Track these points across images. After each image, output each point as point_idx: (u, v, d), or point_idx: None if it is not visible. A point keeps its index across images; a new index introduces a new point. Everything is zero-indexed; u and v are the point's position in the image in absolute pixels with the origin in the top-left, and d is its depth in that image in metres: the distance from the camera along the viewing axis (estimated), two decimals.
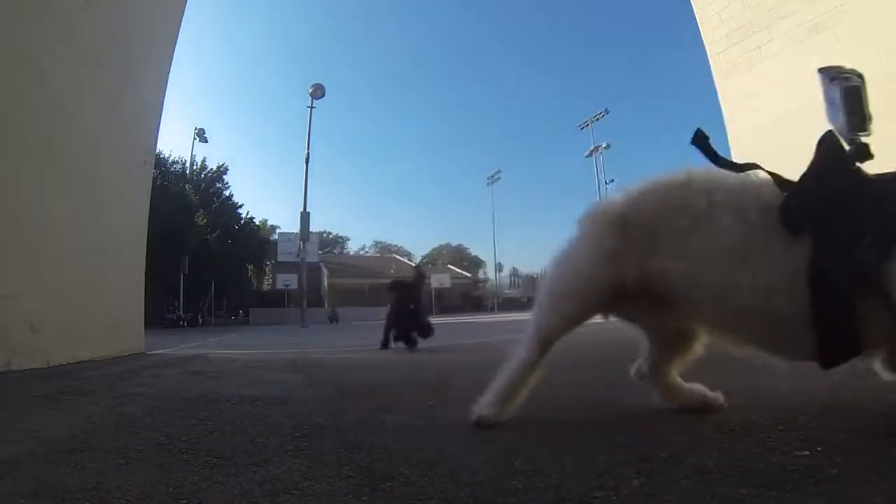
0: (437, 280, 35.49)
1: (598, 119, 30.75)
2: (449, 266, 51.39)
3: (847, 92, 1.17)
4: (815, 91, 1.23)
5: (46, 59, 3.15)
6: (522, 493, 0.75)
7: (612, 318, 1.30)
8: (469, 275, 48.61)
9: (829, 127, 1.06)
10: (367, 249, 65.95)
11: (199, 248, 24.10)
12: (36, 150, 3.07)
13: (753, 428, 0.98)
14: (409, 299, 4.06)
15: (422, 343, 4.89)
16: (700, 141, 1.15)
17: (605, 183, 29.60)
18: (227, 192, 29.95)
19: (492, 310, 35.90)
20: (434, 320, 4.57)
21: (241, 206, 30.60)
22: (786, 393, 1.25)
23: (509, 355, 1.24)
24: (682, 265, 1.03)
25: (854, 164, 0.99)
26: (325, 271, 39.64)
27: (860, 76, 1.22)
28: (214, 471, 0.93)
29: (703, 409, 1.19)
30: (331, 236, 62.48)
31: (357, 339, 6.78)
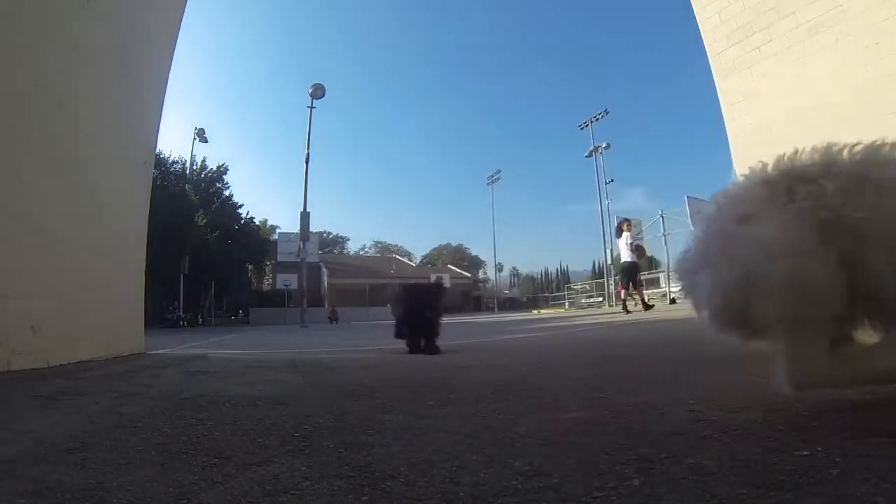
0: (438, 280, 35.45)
1: (598, 119, 30.78)
2: (449, 266, 51.41)
3: None
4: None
5: (46, 59, 3.15)
6: (522, 493, 0.75)
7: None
8: (469, 275, 48.63)
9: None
10: (367, 249, 66.05)
11: (199, 248, 24.11)
12: (36, 150, 3.06)
13: (753, 428, 0.98)
14: (428, 306, 3.65)
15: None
16: None
17: (605, 183, 29.64)
18: (227, 192, 30.02)
19: (491, 310, 35.89)
20: None
21: (241, 206, 30.68)
22: (786, 393, 1.25)
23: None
24: None
25: None
26: (325, 271, 39.66)
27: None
28: (214, 471, 0.94)
29: None
30: (331, 236, 62.52)
31: (357, 340, 6.78)
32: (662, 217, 20.63)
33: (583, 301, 32.26)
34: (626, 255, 9.42)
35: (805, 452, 0.80)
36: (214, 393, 1.92)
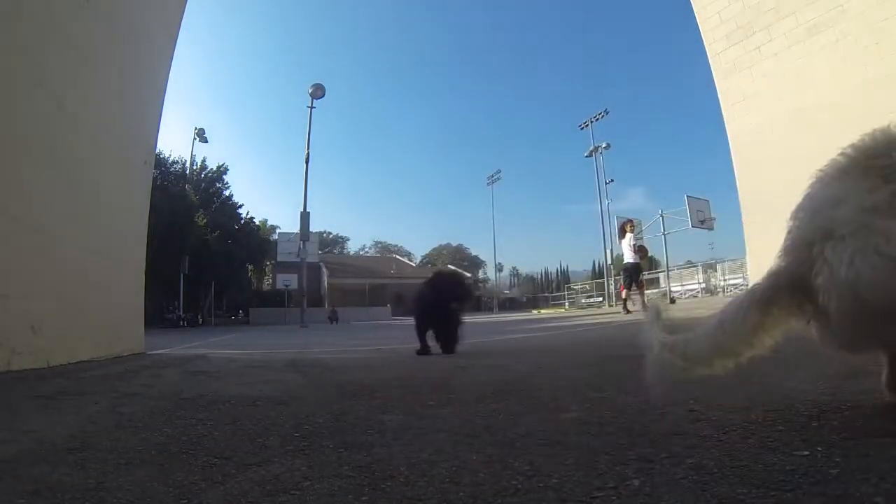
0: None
1: (598, 119, 30.78)
2: (449, 266, 51.39)
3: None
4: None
5: (46, 59, 3.15)
6: (522, 493, 0.75)
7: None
8: (469, 275, 48.63)
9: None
10: (367, 249, 66.05)
11: (199, 248, 24.10)
12: (36, 150, 3.06)
13: (753, 428, 0.98)
14: (453, 299, 3.28)
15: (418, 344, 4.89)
16: None
17: (605, 183, 29.64)
18: (227, 192, 29.98)
19: (491, 310, 35.89)
20: None
21: (241, 206, 30.64)
22: (786, 393, 1.25)
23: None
24: None
25: None
26: (325, 271, 39.65)
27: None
28: (214, 471, 0.94)
29: None
30: (331, 236, 62.53)
31: (357, 340, 6.78)
32: (662, 217, 20.62)
33: (583, 301, 32.27)
34: (628, 256, 9.45)
35: (805, 452, 0.80)
36: (214, 393, 1.92)
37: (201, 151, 36.13)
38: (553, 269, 64.97)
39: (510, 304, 41.92)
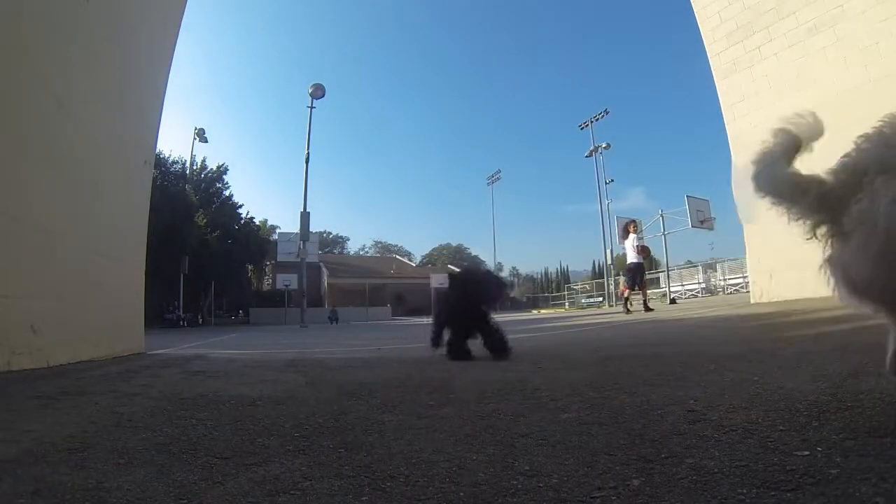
0: (437, 280, 35.48)
1: (598, 119, 30.78)
2: (449, 266, 51.36)
3: None
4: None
5: (47, 58, 3.15)
6: (522, 493, 0.75)
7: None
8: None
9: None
10: (367, 249, 66.10)
11: (199, 248, 24.11)
12: (36, 150, 3.06)
13: (753, 428, 0.98)
14: (482, 298, 2.99)
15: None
16: None
17: (605, 183, 29.65)
18: (227, 192, 30.01)
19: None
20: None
21: (241, 206, 30.67)
22: (786, 393, 1.25)
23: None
24: None
25: None
26: (325, 271, 39.66)
27: None
28: (214, 471, 0.94)
29: None
30: (331, 236, 62.58)
31: (357, 340, 6.78)
32: (662, 217, 20.62)
33: (583, 301, 32.29)
34: (632, 256, 9.47)
35: (805, 452, 0.80)
36: (214, 393, 1.92)
37: (201, 151, 36.26)
38: (553, 269, 64.98)
39: (510, 304, 41.88)
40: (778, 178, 0.98)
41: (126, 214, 4.49)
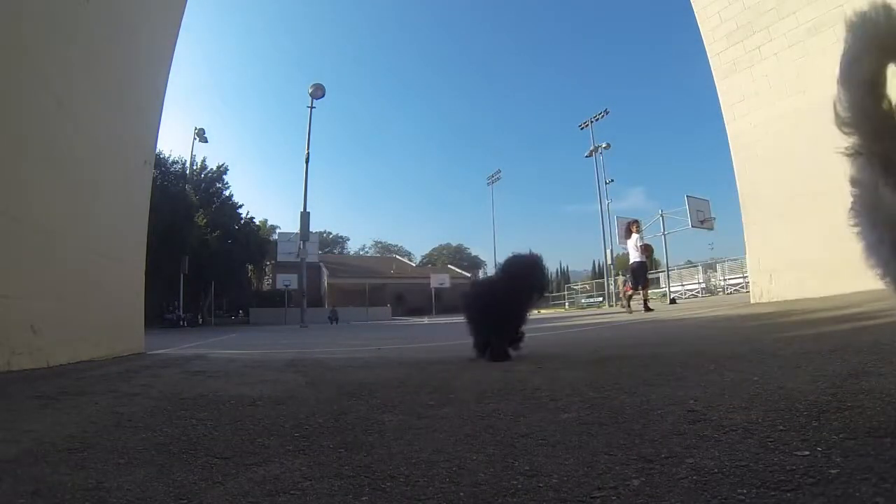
0: (437, 280, 35.53)
1: (598, 119, 30.78)
2: (449, 266, 51.40)
3: None
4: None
5: (47, 58, 3.15)
6: (522, 493, 0.75)
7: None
8: (469, 275, 48.58)
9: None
10: (367, 249, 66.12)
11: (199, 248, 24.12)
12: (36, 150, 3.06)
13: (753, 428, 0.98)
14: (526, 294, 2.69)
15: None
16: None
17: (605, 183, 29.65)
18: (227, 192, 30.03)
19: None
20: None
21: (241, 206, 30.70)
22: (786, 393, 1.25)
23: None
24: None
25: None
26: (325, 271, 39.67)
27: None
28: (214, 471, 0.94)
29: None
30: (331, 236, 62.60)
31: (357, 340, 6.78)
32: (662, 217, 20.62)
33: (583, 301, 32.26)
34: (634, 256, 9.47)
35: (805, 452, 0.80)
36: (214, 393, 1.92)
37: (201, 151, 36.26)
38: (553, 269, 65.00)
39: None
40: None
41: (126, 214, 4.49)
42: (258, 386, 2.10)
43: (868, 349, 1.76)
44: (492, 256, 40.89)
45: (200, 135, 29.88)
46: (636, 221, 10.37)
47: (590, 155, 30.67)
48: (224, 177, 30.04)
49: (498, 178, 40.16)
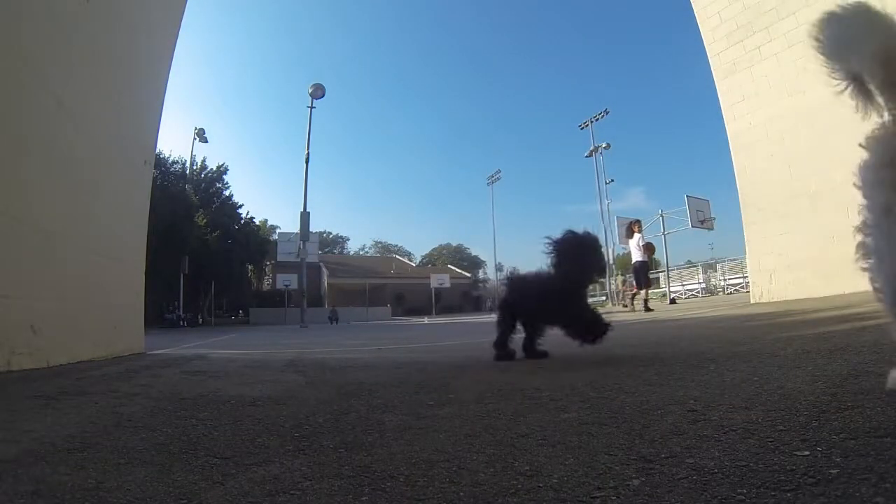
0: (437, 280, 35.53)
1: (598, 119, 30.77)
2: (449, 266, 51.41)
3: None
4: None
5: (46, 59, 3.15)
6: (522, 493, 0.75)
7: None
8: (469, 275, 48.62)
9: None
10: (367, 249, 66.13)
11: (199, 248, 24.13)
12: (36, 150, 3.06)
13: (753, 428, 0.98)
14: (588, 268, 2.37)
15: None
16: None
17: (605, 183, 29.65)
18: (227, 192, 30.05)
19: (491, 310, 35.88)
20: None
21: (241, 206, 30.72)
22: (786, 393, 1.25)
23: None
24: None
25: None
26: (325, 271, 39.67)
27: None
28: (214, 471, 0.94)
29: None
30: (331, 236, 62.61)
31: (357, 340, 6.78)
32: (662, 217, 20.63)
33: None
34: (637, 255, 9.50)
35: (805, 452, 0.80)
36: (214, 393, 1.92)
37: (201, 151, 36.26)
38: None
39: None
40: None
41: (126, 214, 4.49)
42: (258, 386, 2.10)
43: (868, 349, 1.76)
44: (492, 256, 40.92)
45: (200, 135, 29.88)
46: (638, 221, 10.39)
47: (590, 155, 30.66)
48: (224, 177, 30.09)
49: (498, 178, 40.16)
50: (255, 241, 31.55)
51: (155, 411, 1.58)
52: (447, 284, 36.15)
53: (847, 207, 1.12)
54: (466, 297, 41.88)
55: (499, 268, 39.86)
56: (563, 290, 2.33)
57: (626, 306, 9.62)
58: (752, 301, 7.22)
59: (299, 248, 21.75)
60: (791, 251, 6.37)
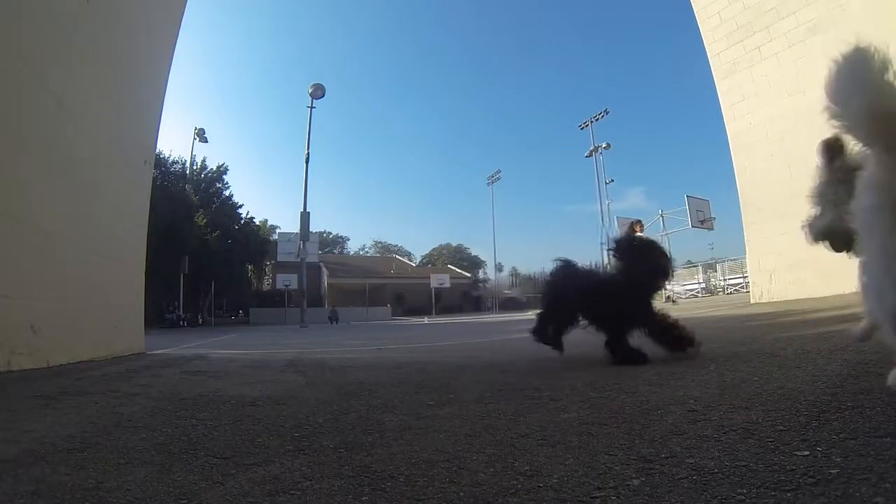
0: (437, 280, 35.53)
1: (598, 119, 30.76)
2: (449, 266, 51.41)
3: None
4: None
5: (46, 59, 3.15)
6: (522, 493, 0.75)
7: None
8: (469, 275, 48.60)
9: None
10: (367, 249, 66.08)
11: (199, 248, 24.12)
12: (36, 150, 3.07)
13: (753, 428, 0.98)
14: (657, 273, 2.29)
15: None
16: None
17: (605, 183, 29.64)
18: (227, 192, 30.01)
19: (491, 310, 35.88)
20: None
21: (241, 206, 30.68)
22: (786, 393, 1.25)
23: None
24: None
25: None
26: (325, 271, 39.66)
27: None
28: (214, 471, 0.94)
29: None
30: (331, 236, 62.57)
31: (357, 340, 6.78)
32: (662, 217, 20.65)
33: None
34: None
35: (805, 452, 0.80)
36: (214, 393, 1.92)
37: (201, 151, 36.26)
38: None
39: (511, 304, 41.89)
40: None
41: (126, 214, 4.49)
42: (258, 386, 2.10)
43: (868, 349, 1.76)
44: (492, 256, 40.90)
45: (200, 135, 29.86)
46: (639, 221, 10.40)
47: (590, 155, 30.65)
48: (224, 177, 30.04)
49: (498, 178, 40.15)
50: (255, 241, 31.52)
51: (155, 411, 1.57)
52: (447, 284, 36.13)
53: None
54: (466, 297, 41.86)
55: (499, 268, 39.86)
56: (641, 292, 2.24)
57: None
58: (752, 301, 7.23)
59: (299, 248, 21.75)
60: (791, 251, 6.37)
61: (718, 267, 26.02)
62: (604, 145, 30.01)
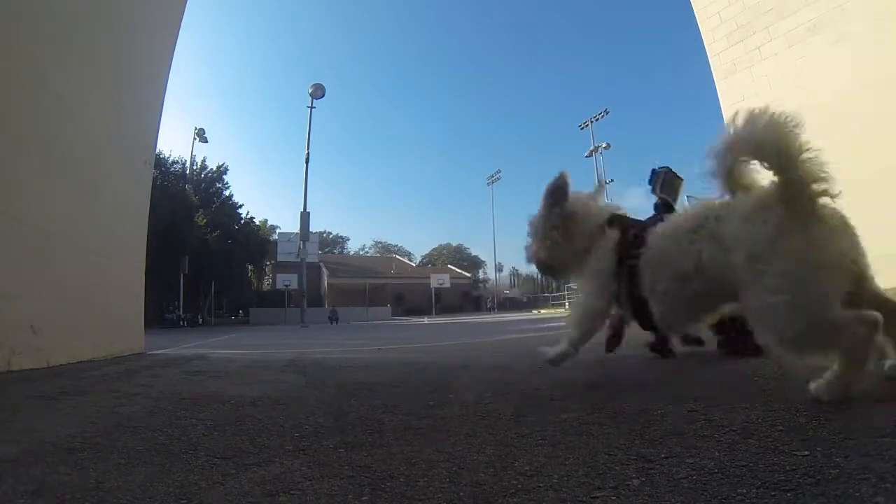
0: (437, 280, 35.57)
1: (598, 119, 30.77)
2: (449, 266, 51.39)
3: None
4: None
5: (46, 59, 3.15)
6: (522, 493, 0.75)
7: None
8: (469, 275, 48.63)
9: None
10: (367, 249, 66.08)
11: (199, 248, 24.11)
12: (36, 150, 3.07)
13: (753, 428, 0.98)
14: None
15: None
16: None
17: (605, 183, 29.64)
18: (227, 192, 30.00)
19: (491, 310, 35.88)
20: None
21: (241, 206, 30.67)
22: (786, 393, 1.25)
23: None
24: None
25: None
26: (325, 271, 39.66)
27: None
28: (214, 471, 0.94)
29: None
30: (331, 236, 62.57)
31: (357, 340, 6.78)
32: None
33: None
34: None
35: (805, 452, 0.80)
36: (214, 393, 1.92)
37: (201, 151, 36.28)
38: None
39: (510, 304, 41.88)
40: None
41: (126, 214, 4.49)
42: (258, 386, 2.10)
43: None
44: (492, 256, 40.92)
45: (200, 135, 29.86)
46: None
47: (590, 155, 30.65)
48: (224, 177, 30.02)
49: (498, 178, 40.16)
50: (255, 241, 31.51)
51: (155, 411, 1.58)
52: (447, 284, 36.15)
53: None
54: (466, 297, 41.88)
55: (499, 268, 39.86)
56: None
57: None
58: None
59: (299, 248, 21.76)
60: None
61: None
62: (604, 145, 30.02)
